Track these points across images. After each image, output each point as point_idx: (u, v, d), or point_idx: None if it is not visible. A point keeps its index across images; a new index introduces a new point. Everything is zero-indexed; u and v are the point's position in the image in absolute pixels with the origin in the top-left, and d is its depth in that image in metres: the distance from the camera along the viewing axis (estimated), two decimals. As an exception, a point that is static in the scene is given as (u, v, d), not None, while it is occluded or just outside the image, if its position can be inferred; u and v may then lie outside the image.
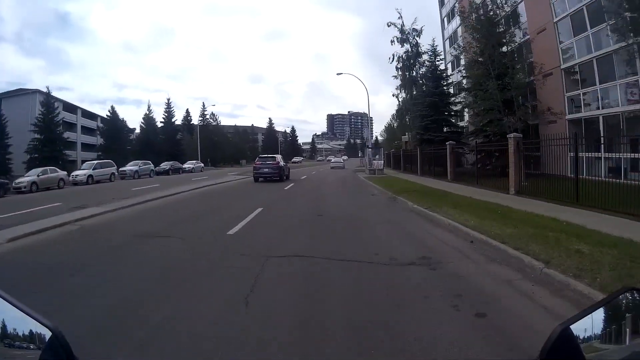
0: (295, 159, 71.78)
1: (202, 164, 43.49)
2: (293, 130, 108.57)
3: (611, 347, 0.88)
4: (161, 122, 54.89)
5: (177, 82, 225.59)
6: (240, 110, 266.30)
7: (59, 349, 0.85)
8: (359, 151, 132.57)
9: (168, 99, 75.29)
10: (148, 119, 52.79)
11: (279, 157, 22.55)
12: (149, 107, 56.45)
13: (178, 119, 58.43)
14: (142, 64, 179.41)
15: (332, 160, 50.37)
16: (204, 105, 75.66)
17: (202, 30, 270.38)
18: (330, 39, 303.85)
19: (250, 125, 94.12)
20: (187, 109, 74.39)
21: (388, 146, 51.30)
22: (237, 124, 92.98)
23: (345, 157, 58.87)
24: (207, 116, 67.29)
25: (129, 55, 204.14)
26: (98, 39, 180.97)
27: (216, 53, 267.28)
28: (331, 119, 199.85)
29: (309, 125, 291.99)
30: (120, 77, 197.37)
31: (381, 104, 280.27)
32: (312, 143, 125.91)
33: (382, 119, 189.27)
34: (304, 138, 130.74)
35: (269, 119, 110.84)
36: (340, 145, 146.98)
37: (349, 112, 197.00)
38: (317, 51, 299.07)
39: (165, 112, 55.79)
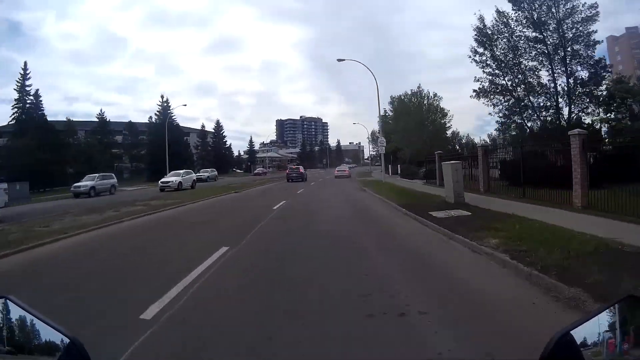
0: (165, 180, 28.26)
1: None
2: (218, 128, 71.23)
3: (611, 354, 0.88)
4: None
5: (128, 94, 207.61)
6: (190, 123, 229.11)
7: (77, 356, 0.89)
8: (323, 159, 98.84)
9: None
10: None
11: (301, 167, 38.34)
12: None
13: None
14: (92, 76, 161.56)
15: (337, 169, 44.36)
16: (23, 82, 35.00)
17: (152, 42, 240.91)
18: (279, 50, 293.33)
19: (149, 120, 55.38)
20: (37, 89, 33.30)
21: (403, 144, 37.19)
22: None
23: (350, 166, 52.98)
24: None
25: (79, 66, 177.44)
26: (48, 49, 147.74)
27: (165, 65, 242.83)
28: (281, 125, 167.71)
29: (259, 138, 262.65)
30: (70, 89, 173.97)
31: (331, 112, 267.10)
32: (250, 150, 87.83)
33: (335, 126, 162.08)
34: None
35: (162, 97, 71.09)
36: (292, 154, 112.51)
37: (301, 117, 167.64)
38: (266, 61, 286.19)
39: None
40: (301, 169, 36.04)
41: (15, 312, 0.92)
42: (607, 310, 0.88)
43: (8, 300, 0.93)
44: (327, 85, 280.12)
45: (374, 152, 60.08)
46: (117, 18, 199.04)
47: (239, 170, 76.09)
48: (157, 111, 54.13)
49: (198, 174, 40.30)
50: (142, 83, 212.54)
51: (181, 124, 58.73)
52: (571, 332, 0.85)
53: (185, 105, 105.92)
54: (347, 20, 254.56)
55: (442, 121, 37.40)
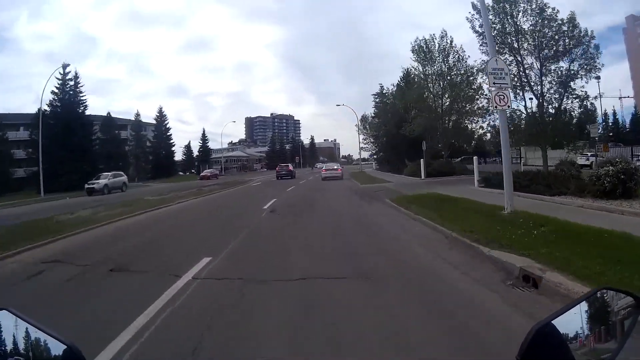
0: None
1: None
2: (161, 118, 57.01)
3: (587, 345, 0.89)
4: None
5: (98, 96, 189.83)
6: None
7: None
8: (296, 158, 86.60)
9: None
10: None
11: (290, 166, 40.65)
12: None
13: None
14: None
15: (325, 167, 34.16)
16: None
17: (124, 42, 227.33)
18: (253, 50, 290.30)
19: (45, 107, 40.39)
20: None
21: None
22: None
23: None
24: None
25: (51, 66, 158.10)
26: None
27: (137, 65, 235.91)
28: (250, 122, 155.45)
29: (229, 138, 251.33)
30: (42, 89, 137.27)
31: (304, 113, 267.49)
32: (203, 147, 71.96)
33: (308, 126, 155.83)
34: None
35: (63, 67, 37.39)
36: (260, 152, 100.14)
37: (271, 114, 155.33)
38: (240, 62, 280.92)
39: None
40: (290, 167, 39.01)
41: (14, 323, 0.92)
42: (581, 303, 0.91)
43: (6, 312, 0.93)
44: (300, 86, 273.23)
45: (365, 146, 48.13)
46: (90, 18, 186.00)
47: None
48: (56, 86, 36.44)
49: (90, 183, 26.29)
50: (115, 84, 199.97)
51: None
52: (547, 324, 0.85)
53: (69, 64, 64.62)
54: (323, 20, 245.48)
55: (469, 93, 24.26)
